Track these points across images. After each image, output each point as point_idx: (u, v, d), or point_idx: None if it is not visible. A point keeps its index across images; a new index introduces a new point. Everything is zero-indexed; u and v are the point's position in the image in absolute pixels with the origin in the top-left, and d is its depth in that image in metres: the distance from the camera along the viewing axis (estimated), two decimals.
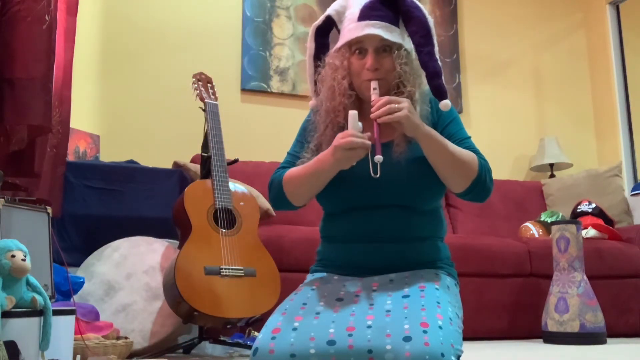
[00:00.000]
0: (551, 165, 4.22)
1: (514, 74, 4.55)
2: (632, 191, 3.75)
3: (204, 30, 3.77)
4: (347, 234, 1.37)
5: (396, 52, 1.34)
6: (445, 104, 1.31)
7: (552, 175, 4.22)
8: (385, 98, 1.26)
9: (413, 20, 1.31)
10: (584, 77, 4.73)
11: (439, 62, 1.31)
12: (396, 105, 1.24)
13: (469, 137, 1.39)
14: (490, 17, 4.55)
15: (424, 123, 1.28)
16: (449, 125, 1.40)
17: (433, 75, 1.30)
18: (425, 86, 1.35)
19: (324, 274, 1.39)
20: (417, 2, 1.35)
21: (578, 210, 3.47)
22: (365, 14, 1.34)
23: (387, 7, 1.34)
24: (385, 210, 1.32)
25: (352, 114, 1.25)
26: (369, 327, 1.13)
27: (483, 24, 4.51)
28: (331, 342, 1.11)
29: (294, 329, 1.16)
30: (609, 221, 3.41)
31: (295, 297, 1.30)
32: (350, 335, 1.12)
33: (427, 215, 1.37)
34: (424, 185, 1.34)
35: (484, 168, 1.31)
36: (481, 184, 1.30)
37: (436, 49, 1.32)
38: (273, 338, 1.15)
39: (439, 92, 1.31)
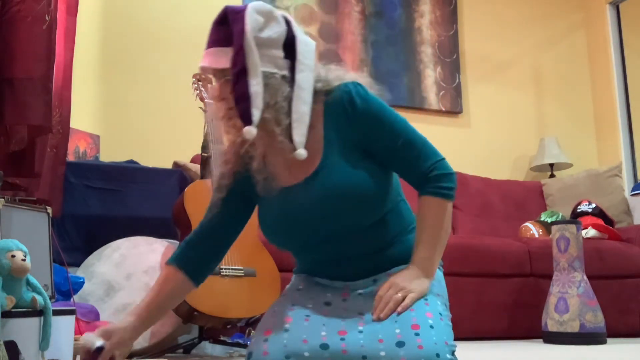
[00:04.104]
0: (551, 165, 4.22)
1: (514, 74, 4.55)
2: (632, 191, 3.75)
3: (204, 30, 3.73)
4: (314, 266, 1.31)
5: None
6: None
7: (552, 175, 4.22)
8: (386, 297, 1.14)
9: (234, 36, 1.18)
10: (584, 77, 4.73)
11: (248, 82, 1.14)
12: (400, 294, 1.13)
13: (404, 132, 1.21)
14: (490, 17, 4.54)
15: (428, 274, 1.19)
16: (378, 139, 1.21)
17: (238, 100, 1.14)
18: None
19: (308, 275, 1.34)
20: (242, 12, 1.20)
21: (578, 210, 3.47)
22: (207, 40, 1.25)
23: (222, 25, 1.23)
24: (337, 237, 1.23)
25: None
26: (360, 332, 1.11)
27: (483, 24, 4.51)
28: (324, 346, 1.09)
29: (286, 330, 1.14)
30: (609, 221, 3.41)
31: (282, 299, 1.28)
32: (342, 339, 1.10)
33: (383, 221, 1.25)
34: (353, 208, 1.20)
35: (448, 192, 1.21)
36: (453, 198, 1.24)
37: (250, 63, 1.15)
38: (266, 340, 1.13)
39: (243, 118, 1.14)
